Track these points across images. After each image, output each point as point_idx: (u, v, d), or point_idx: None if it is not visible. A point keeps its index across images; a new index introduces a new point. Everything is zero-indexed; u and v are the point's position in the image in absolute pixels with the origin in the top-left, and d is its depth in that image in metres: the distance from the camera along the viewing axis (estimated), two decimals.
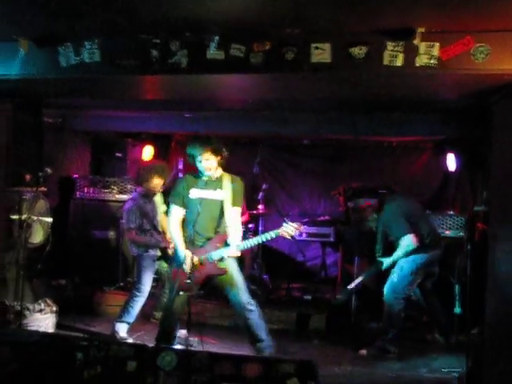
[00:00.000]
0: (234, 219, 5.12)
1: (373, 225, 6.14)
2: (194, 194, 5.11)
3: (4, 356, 4.28)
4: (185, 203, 5.16)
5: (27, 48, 4.70)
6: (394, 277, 5.89)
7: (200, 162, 5.06)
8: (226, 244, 5.09)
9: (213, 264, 5.06)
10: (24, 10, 4.17)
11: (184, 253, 5.02)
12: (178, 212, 5.20)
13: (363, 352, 5.99)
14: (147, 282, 6.15)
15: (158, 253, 6.27)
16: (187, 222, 5.19)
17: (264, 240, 5.04)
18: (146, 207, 6.30)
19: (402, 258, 5.84)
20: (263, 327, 5.12)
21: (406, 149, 8.83)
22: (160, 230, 6.39)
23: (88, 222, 8.18)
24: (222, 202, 5.09)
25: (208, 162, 5.05)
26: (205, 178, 5.11)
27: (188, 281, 4.95)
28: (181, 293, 4.89)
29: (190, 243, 5.12)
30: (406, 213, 5.92)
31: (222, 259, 5.06)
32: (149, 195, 6.36)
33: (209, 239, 5.12)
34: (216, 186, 5.13)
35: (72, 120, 7.99)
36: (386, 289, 5.92)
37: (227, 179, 5.15)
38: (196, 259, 5.02)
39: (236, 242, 5.04)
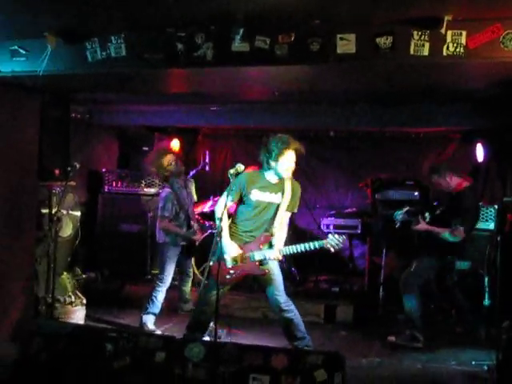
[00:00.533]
0: (284, 224, 5.17)
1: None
2: (255, 194, 5.07)
3: (36, 346, 4.37)
4: (240, 198, 5.14)
5: (55, 44, 4.73)
6: (412, 266, 5.87)
7: (281, 160, 4.94)
8: (270, 245, 5.11)
9: (253, 263, 5.09)
10: (51, 6, 4.21)
11: (230, 246, 5.05)
12: (229, 204, 5.12)
13: (392, 338, 5.98)
14: (170, 272, 6.23)
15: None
16: (239, 217, 5.21)
17: (307, 249, 4.99)
18: (182, 194, 6.35)
19: (426, 257, 5.80)
20: (301, 326, 5.16)
21: (433, 140, 8.72)
22: (193, 219, 6.45)
23: (116, 216, 8.29)
24: (278, 205, 5.10)
25: (291, 164, 4.98)
26: (268, 180, 5.09)
27: (227, 276, 5.05)
28: (220, 287, 4.89)
29: (236, 238, 5.16)
30: (476, 205, 5.84)
31: (263, 261, 5.08)
32: (179, 179, 6.41)
33: (254, 238, 5.14)
34: (277, 189, 5.10)
35: (99, 115, 8.07)
36: (402, 278, 5.91)
37: (288, 183, 5.11)
38: (240, 253, 5.08)
39: (280, 245, 5.06)
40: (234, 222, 5.22)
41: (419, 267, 5.86)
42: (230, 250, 5.04)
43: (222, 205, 5.04)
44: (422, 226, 5.83)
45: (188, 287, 6.66)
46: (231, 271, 5.09)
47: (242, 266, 5.10)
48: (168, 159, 6.30)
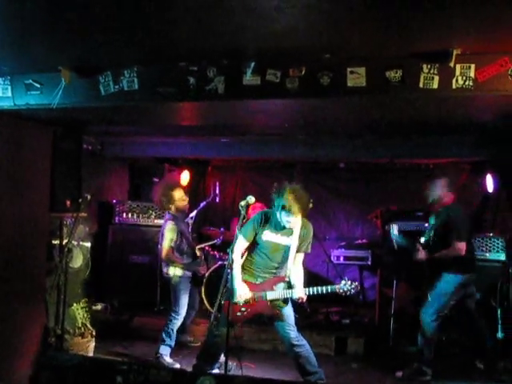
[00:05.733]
0: (298, 264, 5.20)
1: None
2: (267, 236, 5.13)
3: (45, 379, 4.35)
4: (253, 238, 5.18)
5: (69, 78, 4.81)
6: (429, 296, 5.84)
7: (286, 217, 4.98)
8: (289, 286, 5.14)
9: (265, 303, 5.12)
10: (65, 41, 4.28)
11: (242, 287, 5.07)
12: (244, 244, 5.21)
13: (399, 374, 5.94)
14: (184, 304, 6.23)
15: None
16: (253, 255, 5.24)
17: (324, 292, 5.06)
18: (181, 226, 6.36)
19: (442, 278, 5.76)
20: (313, 360, 5.14)
21: (443, 171, 8.74)
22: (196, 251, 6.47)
23: (126, 247, 8.29)
24: (289, 247, 5.14)
25: (295, 221, 5.03)
26: (279, 222, 5.10)
27: (238, 313, 5.11)
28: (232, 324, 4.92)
29: (250, 274, 5.20)
30: (467, 222, 5.83)
31: (275, 301, 5.11)
32: (181, 214, 6.46)
33: (267, 279, 5.18)
34: (289, 232, 5.14)
35: (111, 146, 8.14)
36: (422, 309, 5.87)
37: (299, 225, 5.14)
38: (251, 295, 5.10)
39: (301, 285, 5.09)
40: (248, 259, 5.24)
41: (436, 294, 5.82)
42: (241, 291, 5.06)
43: (238, 245, 5.13)
44: (422, 255, 5.83)
45: (190, 320, 6.65)
46: (242, 309, 5.13)
47: (254, 304, 5.12)
48: (180, 194, 6.36)
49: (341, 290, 5.02)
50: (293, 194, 4.92)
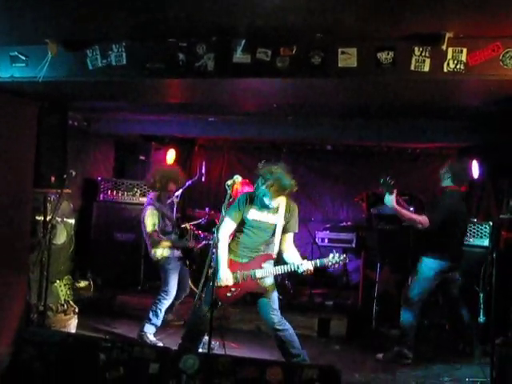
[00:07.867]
0: (289, 244, 5.20)
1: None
2: (252, 214, 5.09)
3: (27, 355, 4.32)
4: (240, 219, 5.14)
5: (56, 51, 4.73)
6: (410, 280, 5.88)
7: (269, 198, 4.92)
8: (279, 262, 5.14)
9: (255, 281, 5.10)
10: (53, 13, 4.20)
11: (225, 272, 5.03)
12: (231, 226, 5.15)
13: (379, 356, 5.98)
14: (174, 284, 6.17)
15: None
16: (239, 235, 5.21)
17: (317, 265, 5.03)
18: (163, 209, 6.31)
19: (422, 263, 5.80)
20: (296, 342, 5.13)
21: (429, 155, 8.77)
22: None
23: (111, 225, 8.26)
24: (275, 226, 5.11)
25: (277, 201, 4.99)
26: (265, 201, 5.03)
27: (228, 294, 5.07)
28: (219, 303, 4.93)
29: (236, 254, 5.16)
30: (453, 210, 5.83)
31: (263, 278, 5.10)
32: (163, 199, 6.41)
33: (253, 257, 5.15)
34: (274, 211, 5.09)
35: (96, 123, 8.04)
36: (402, 293, 5.92)
37: (283, 205, 5.10)
38: (239, 276, 5.08)
39: (299, 261, 5.07)
40: (234, 239, 5.22)
41: (417, 278, 5.86)
42: (224, 276, 5.00)
43: (226, 228, 5.09)
44: (393, 202, 5.74)
45: (179, 301, 6.57)
46: (232, 289, 5.09)
47: (243, 283, 5.10)
48: (175, 184, 6.40)
49: (329, 263, 5.01)
50: (275, 181, 4.84)
